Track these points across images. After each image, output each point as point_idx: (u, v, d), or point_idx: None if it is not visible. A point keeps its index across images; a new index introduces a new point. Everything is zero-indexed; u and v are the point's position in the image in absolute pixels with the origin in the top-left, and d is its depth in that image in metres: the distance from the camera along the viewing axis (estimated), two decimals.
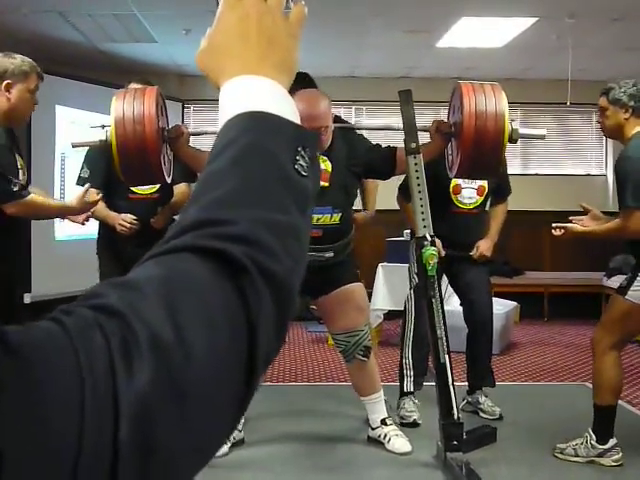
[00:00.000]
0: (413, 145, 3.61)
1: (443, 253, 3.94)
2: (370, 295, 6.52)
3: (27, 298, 6.74)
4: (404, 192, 4.22)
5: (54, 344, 0.45)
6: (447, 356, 3.54)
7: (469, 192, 4.34)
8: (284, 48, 0.74)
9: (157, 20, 6.62)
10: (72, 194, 3.73)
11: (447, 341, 3.55)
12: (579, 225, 3.65)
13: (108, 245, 4.19)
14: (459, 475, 3.29)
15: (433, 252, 3.52)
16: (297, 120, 0.67)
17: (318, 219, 3.62)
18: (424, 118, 9.32)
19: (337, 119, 3.93)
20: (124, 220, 3.98)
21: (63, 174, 7.15)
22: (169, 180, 3.78)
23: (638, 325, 3.63)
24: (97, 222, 4.23)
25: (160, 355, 0.47)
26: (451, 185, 4.25)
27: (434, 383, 3.63)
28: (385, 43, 7.39)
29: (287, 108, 0.67)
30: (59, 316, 0.48)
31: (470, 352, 4.48)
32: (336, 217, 3.65)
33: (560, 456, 3.66)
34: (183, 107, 8.84)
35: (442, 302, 3.61)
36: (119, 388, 0.45)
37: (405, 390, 4.30)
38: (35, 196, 3.42)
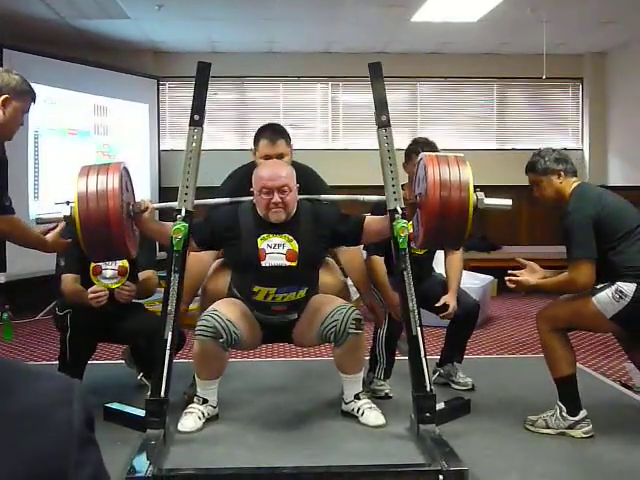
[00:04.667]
0: (383, 118, 3.61)
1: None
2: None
3: (2, 278, 6.71)
4: (369, 248, 4.24)
5: None
6: (419, 329, 3.55)
7: None
8: None
9: None
10: (44, 227, 3.68)
11: (419, 314, 3.56)
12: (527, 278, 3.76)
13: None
14: (432, 447, 3.31)
15: (404, 225, 3.52)
16: None
17: (283, 297, 3.65)
18: (401, 93, 9.35)
19: (300, 169, 3.89)
20: (93, 292, 3.94)
21: (37, 152, 7.10)
22: (134, 255, 3.77)
23: (587, 325, 3.75)
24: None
25: None
26: None
27: (406, 357, 3.65)
28: (360, 18, 7.36)
29: None
30: None
31: (451, 334, 4.48)
32: (302, 293, 3.68)
33: (531, 428, 3.68)
34: (158, 84, 8.78)
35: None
36: None
37: (374, 375, 4.33)
38: (19, 218, 3.41)
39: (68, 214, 3.44)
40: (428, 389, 3.54)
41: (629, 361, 4.33)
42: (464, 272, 4.77)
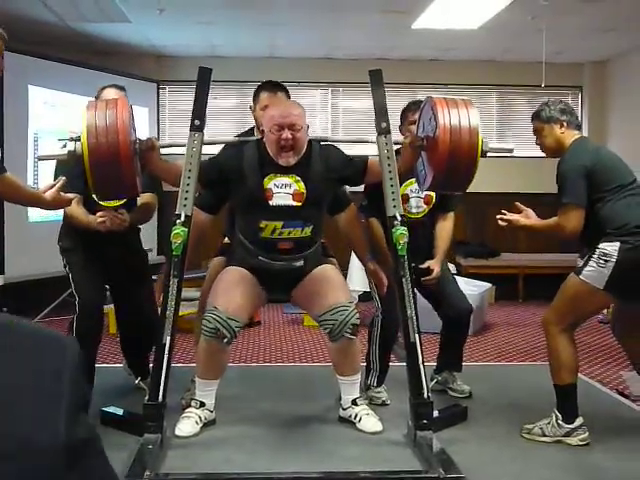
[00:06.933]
0: (383, 125, 3.63)
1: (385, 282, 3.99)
2: (345, 276, 6.55)
3: (0, 280, 6.70)
4: (365, 210, 4.25)
5: None
6: (417, 335, 3.56)
7: (416, 201, 4.31)
8: None
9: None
10: (45, 184, 3.57)
11: (417, 321, 3.57)
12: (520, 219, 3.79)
13: (80, 243, 4.14)
14: (428, 453, 3.32)
15: (403, 232, 3.54)
16: None
17: (289, 232, 3.66)
18: (402, 100, 9.33)
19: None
20: (100, 217, 3.93)
21: (36, 155, 7.09)
22: (140, 194, 3.80)
23: (589, 307, 3.70)
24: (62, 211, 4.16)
25: None
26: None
27: (404, 363, 3.66)
28: (361, 24, 7.37)
29: None
30: None
31: (445, 337, 4.47)
32: (307, 230, 3.69)
33: (527, 436, 3.69)
34: (158, 88, 8.78)
35: (413, 283, 3.63)
36: None
37: (368, 383, 4.31)
38: (12, 175, 3.30)
39: (72, 149, 3.38)
40: (425, 396, 3.55)
41: (626, 369, 4.34)
42: (462, 279, 4.79)
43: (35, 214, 6.80)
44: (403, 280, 3.56)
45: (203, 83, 3.66)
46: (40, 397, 0.76)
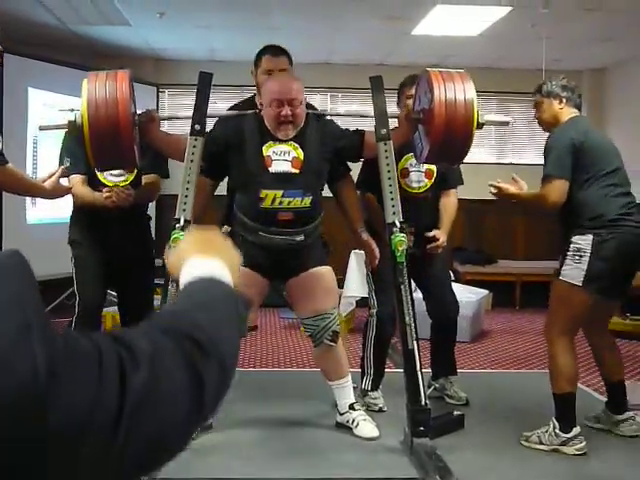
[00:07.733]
0: (383, 131, 3.63)
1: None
2: (342, 282, 6.54)
3: None
4: (362, 187, 4.26)
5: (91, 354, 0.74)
6: (415, 342, 3.56)
7: (417, 175, 4.30)
8: (224, 249, 1.13)
9: (131, 3, 6.54)
10: (45, 172, 3.60)
11: (415, 328, 3.57)
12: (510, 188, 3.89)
13: (86, 231, 4.14)
14: (425, 461, 3.31)
15: (402, 238, 3.54)
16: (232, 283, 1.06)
17: (289, 202, 3.63)
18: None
19: (309, 106, 3.93)
20: (107, 192, 3.95)
21: (35, 157, 7.09)
22: (139, 165, 3.78)
23: (574, 308, 3.65)
24: (70, 208, 4.17)
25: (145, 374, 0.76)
26: (398, 169, 4.10)
27: (401, 370, 3.65)
28: (361, 29, 7.37)
29: (229, 276, 1.06)
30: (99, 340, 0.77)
31: (435, 342, 4.48)
32: (307, 200, 3.66)
33: (525, 443, 3.69)
34: (158, 91, 8.77)
35: (411, 289, 3.63)
36: (125, 379, 0.75)
37: (363, 388, 4.32)
38: (13, 166, 3.33)
39: (73, 119, 3.38)
40: (423, 403, 3.54)
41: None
42: (459, 286, 4.77)
43: (34, 216, 6.80)
44: (402, 287, 3.56)
45: (204, 88, 3.65)
46: (7, 330, 0.69)
